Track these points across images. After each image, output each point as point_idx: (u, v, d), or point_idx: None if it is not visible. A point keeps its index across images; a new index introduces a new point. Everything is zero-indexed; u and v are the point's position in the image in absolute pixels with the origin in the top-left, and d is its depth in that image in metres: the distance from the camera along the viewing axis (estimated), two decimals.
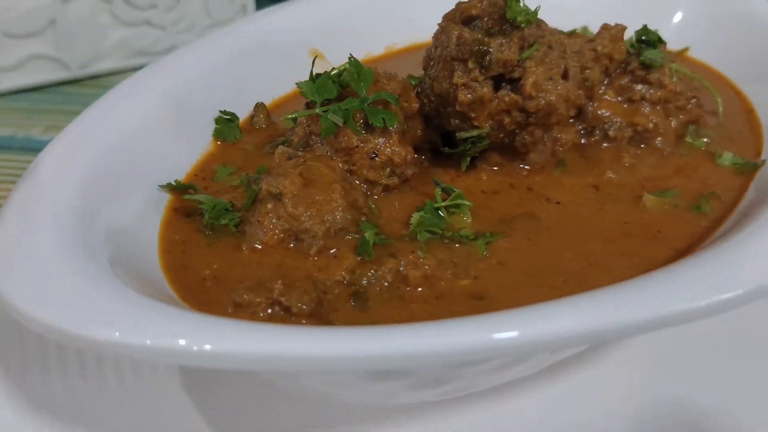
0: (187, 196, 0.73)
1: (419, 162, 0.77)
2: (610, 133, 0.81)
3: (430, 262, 0.64)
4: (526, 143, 0.75)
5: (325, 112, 0.70)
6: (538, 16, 0.72)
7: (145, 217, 0.70)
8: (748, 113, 0.88)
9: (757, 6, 0.98)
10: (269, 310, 0.59)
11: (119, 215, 0.68)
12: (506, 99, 0.71)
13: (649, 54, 0.82)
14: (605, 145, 0.81)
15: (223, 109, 0.86)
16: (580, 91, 0.75)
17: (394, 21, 1.04)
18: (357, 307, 0.61)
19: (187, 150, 0.81)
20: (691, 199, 0.73)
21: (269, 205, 0.66)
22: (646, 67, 0.81)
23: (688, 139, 0.83)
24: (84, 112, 0.77)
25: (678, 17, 1.03)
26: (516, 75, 0.71)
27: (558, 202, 0.74)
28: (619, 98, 0.82)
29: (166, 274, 0.64)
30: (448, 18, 0.76)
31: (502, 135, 0.74)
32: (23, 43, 1.41)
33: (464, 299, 0.62)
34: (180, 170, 0.79)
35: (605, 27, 0.82)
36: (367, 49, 1.01)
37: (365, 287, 0.62)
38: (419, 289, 0.62)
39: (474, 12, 0.73)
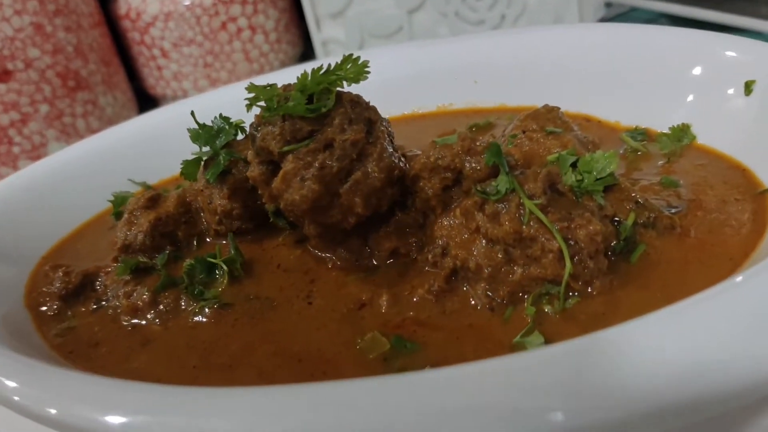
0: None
1: (249, 220, 0.82)
2: (429, 257, 0.70)
3: (143, 297, 0.75)
4: (311, 234, 0.73)
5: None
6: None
7: None
8: None
9: None
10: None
11: None
12: (273, 186, 0.71)
13: (495, 181, 0.65)
14: (426, 268, 0.71)
15: None
16: (357, 199, 0.68)
17: (456, 81, 0.99)
18: (94, 310, 0.78)
19: None
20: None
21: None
22: (486, 194, 0.66)
23: (527, 303, 0.64)
24: None
25: None
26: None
27: (310, 303, 0.71)
28: (463, 222, 0.69)
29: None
30: None
31: (291, 218, 0.74)
32: (379, 41, 1.80)
33: (137, 341, 0.72)
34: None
35: (461, 135, 0.69)
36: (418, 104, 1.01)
37: (108, 297, 0.78)
38: (124, 315, 0.75)
39: None
